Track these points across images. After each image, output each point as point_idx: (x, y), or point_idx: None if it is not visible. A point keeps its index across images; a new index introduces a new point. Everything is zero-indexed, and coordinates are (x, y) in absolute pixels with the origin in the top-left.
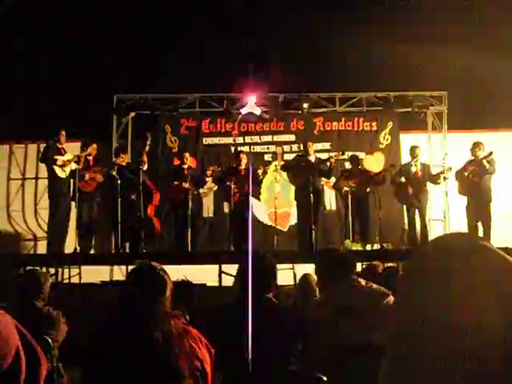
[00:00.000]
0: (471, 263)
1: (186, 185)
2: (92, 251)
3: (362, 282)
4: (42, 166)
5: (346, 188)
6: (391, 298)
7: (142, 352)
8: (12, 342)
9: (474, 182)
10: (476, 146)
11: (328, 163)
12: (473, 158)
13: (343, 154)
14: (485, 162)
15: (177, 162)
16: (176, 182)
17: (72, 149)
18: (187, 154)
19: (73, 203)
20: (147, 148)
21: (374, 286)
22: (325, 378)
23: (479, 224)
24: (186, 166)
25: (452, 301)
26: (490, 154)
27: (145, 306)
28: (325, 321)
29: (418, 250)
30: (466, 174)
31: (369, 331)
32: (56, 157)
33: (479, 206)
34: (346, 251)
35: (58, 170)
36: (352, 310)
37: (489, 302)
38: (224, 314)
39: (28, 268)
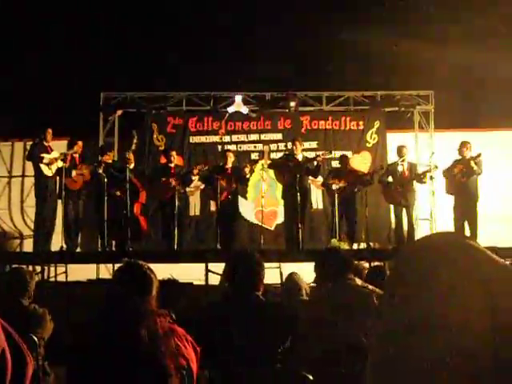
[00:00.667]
0: (458, 263)
1: (173, 183)
2: (78, 249)
3: (358, 282)
4: (29, 164)
5: (334, 186)
6: None
7: (128, 350)
8: None
9: (462, 181)
10: (463, 145)
11: (315, 162)
12: (460, 157)
13: (330, 153)
14: (472, 163)
15: (163, 160)
16: (163, 180)
17: (58, 147)
18: (174, 153)
19: (59, 201)
20: (133, 146)
21: (370, 286)
22: (311, 377)
23: (465, 224)
24: (172, 165)
25: (439, 300)
26: (479, 155)
27: (131, 305)
28: (318, 319)
29: (405, 249)
30: (454, 173)
31: (362, 331)
32: (42, 155)
33: (466, 205)
34: (346, 252)
35: (44, 168)
36: (345, 308)
37: (476, 300)
38: (212, 311)
39: (14, 266)
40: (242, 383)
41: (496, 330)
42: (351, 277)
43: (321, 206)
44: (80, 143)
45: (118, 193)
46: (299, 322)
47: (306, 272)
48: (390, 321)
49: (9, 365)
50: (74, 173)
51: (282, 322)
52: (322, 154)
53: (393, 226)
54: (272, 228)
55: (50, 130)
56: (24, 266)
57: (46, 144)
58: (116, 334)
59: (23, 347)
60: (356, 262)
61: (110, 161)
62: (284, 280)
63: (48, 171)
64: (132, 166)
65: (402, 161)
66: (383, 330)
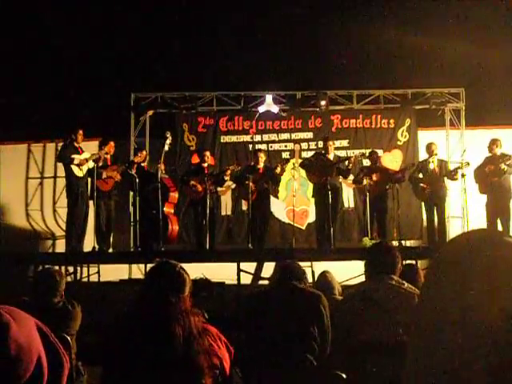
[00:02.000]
0: (499, 260)
1: (205, 183)
2: (110, 250)
3: (394, 280)
4: (61, 165)
5: (365, 183)
6: None
7: (163, 349)
8: (34, 351)
9: (494, 180)
10: (493, 142)
11: (347, 162)
12: (490, 155)
13: (363, 155)
14: (503, 165)
15: (195, 159)
16: (195, 180)
17: (90, 147)
18: (208, 153)
19: (91, 202)
20: (167, 147)
21: (406, 284)
22: (344, 376)
23: (498, 221)
24: (206, 165)
25: (477, 298)
26: (509, 157)
27: (164, 304)
28: (348, 317)
29: (446, 245)
30: (486, 173)
31: (398, 330)
32: (73, 156)
33: (499, 203)
34: (393, 248)
35: (75, 169)
36: (377, 306)
37: None
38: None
39: (45, 266)
40: (275, 382)
41: None
42: (388, 276)
43: (352, 205)
44: (111, 143)
45: (149, 194)
46: (332, 320)
47: (338, 271)
48: (428, 318)
49: (45, 371)
50: (104, 174)
51: (319, 307)
52: (355, 157)
53: (424, 223)
54: (303, 227)
55: (80, 131)
56: (56, 267)
57: (76, 145)
58: (150, 332)
59: (59, 347)
60: None
61: (141, 160)
62: (316, 279)
63: (79, 172)
64: (163, 166)
65: (432, 158)
66: (420, 325)
